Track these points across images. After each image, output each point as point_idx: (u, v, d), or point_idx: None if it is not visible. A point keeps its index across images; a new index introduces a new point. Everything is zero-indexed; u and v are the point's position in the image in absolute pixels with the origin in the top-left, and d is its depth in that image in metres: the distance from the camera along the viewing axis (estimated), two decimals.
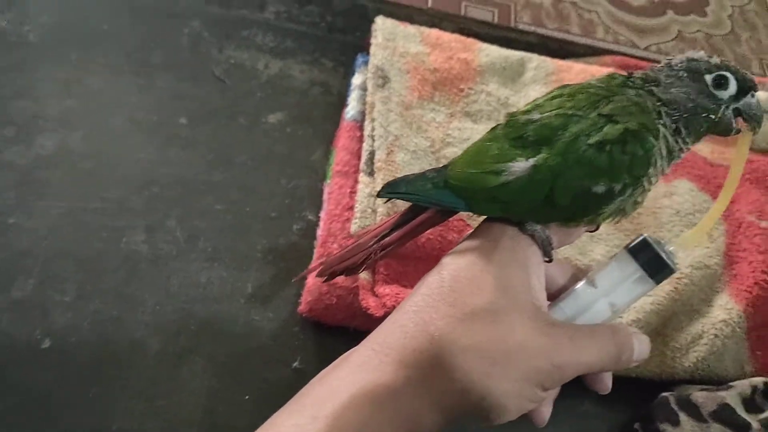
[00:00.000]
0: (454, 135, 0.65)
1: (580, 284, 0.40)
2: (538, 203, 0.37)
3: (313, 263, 0.57)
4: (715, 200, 0.66)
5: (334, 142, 0.67)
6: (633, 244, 0.39)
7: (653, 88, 0.38)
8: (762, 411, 0.53)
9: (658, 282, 0.39)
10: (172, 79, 0.70)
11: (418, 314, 0.36)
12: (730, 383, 0.54)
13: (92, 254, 0.56)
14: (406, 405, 0.34)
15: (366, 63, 0.70)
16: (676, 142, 0.38)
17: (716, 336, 0.56)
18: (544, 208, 0.38)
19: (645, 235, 0.39)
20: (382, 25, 0.72)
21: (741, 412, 0.52)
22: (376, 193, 0.44)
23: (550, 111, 0.38)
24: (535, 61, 0.73)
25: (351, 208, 0.60)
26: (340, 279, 0.56)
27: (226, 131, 0.67)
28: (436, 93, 0.68)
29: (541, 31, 0.79)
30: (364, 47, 0.72)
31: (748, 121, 0.39)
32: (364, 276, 0.55)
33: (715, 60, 0.38)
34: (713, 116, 0.38)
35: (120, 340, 0.53)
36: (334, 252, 0.55)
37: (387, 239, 0.42)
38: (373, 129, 0.63)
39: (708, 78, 0.38)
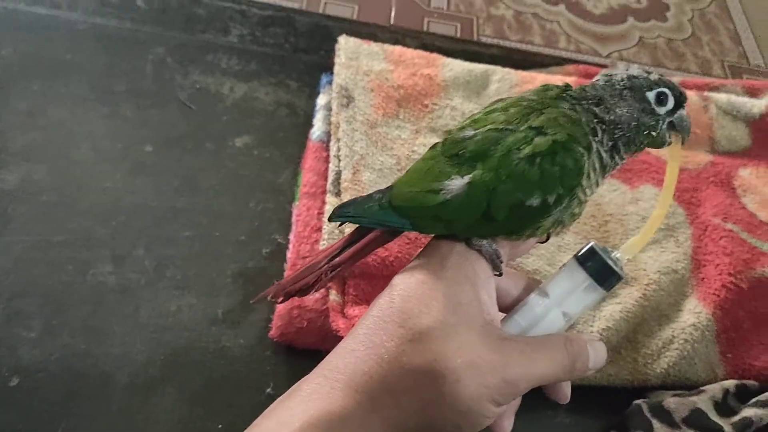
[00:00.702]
0: (419, 151, 0.65)
1: (533, 295, 0.40)
2: (477, 219, 0.38)
3: None
4: (681, 204, 0.67)
5: (301, 164, 0.67)
6: (581, 252, 0.40)
7: (594, 108, 0.39)
8: (735, 414, 0.53)
9: (607, 289, 0.39)
10: (136, 106, 0.70)
11: (368, 337, 0.36)
12: (702, 388, 0.54)
13: (58, 288, 0.56)
14: (357, 430, 0.34)
15: (330, 83, 0.70)
16: (612, 158, 0.39)
17: (686, 341, 0.56)
18: (484, 223, 0.38)
19: (592, 242, 0.40)
20: (345, 44, 0.72)
21: (713, 416, 0.52)
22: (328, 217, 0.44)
23: (484, 126, 0.39)
24: (499, 73, 0.73)
25: (319, 229, 0.60)
26: (309, 301, 0.56)
27: (192, 157, 0.67)
28: (401, 110, 0.68)
29: (504, 43, 0.79)
30: (329, 66, 0.72)
31: (680, 133, 0.40)
32: (333, 297, 0.55)
33: (654, 76, 0.39)
34: (654, 133, 0.39)
35: (89, 374, 0.52)
36: None
37: (337, 259, 0.42)
38: (338, 149, 0.63)
39: (650, 95, 0.38)
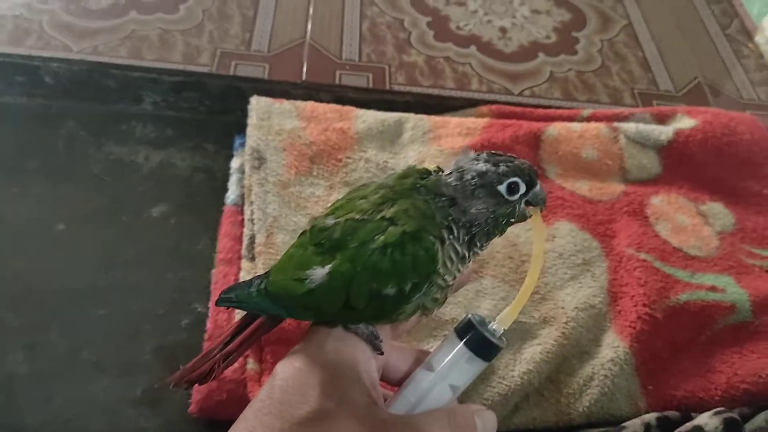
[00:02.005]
0: None
1: (420, 369, 0.40)
2: (340, 307, 0.38)
3: None
4: (596, 238, 0.67)
5: (219, 229, 0.67)
6: (459, 325, 0.40)
7: (449, 209, 0.39)
8: None
9: (487, 360, 0.39)
10: (48, 183, 0.69)
11: None
12: (624, 424, 0.54)
13: None
14: None
15: (244, 145, 0.70)
16: (469, 249, 0.39)
17: (606, 376, 0.56)
18: (347, 311, 0.38)
19: (470, 315, 0.40)
20: (256, 104, 0.72)
21: None
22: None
23: (344, 215, 0.39)
24: (412, 121, 0.74)
25: None
26: (228, 372, 0.55)
27: (107, 231, 0.66)
28: (314, 167, 0.68)
29: (416, 89, 0.80)
30: (246, 127, 0.72)
31: (536, 206, 0.41)
32: (251, 366, 0.55)
33: (503, 168, 0.39)
34: (512, 219, 0.40)
35: None
36: None
37: (229, 347, 0.42)
38: (252, 212, 0.63)
39: (501, 188, 0.39)
